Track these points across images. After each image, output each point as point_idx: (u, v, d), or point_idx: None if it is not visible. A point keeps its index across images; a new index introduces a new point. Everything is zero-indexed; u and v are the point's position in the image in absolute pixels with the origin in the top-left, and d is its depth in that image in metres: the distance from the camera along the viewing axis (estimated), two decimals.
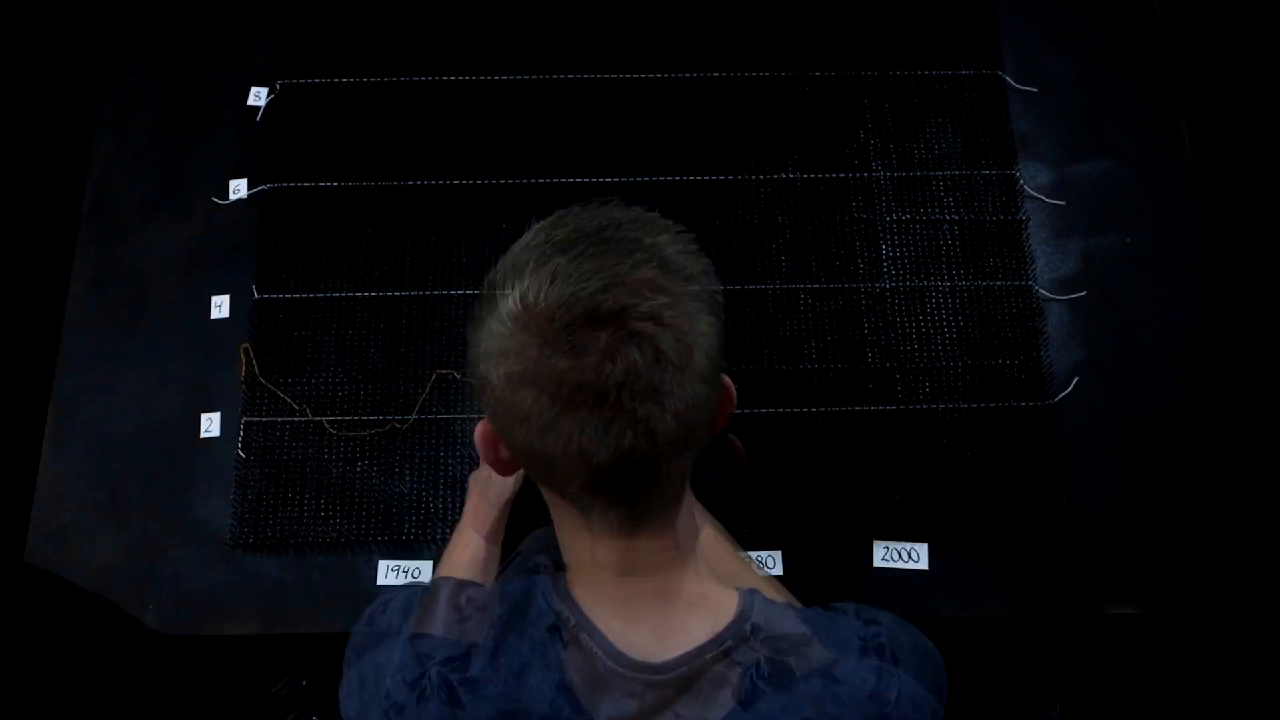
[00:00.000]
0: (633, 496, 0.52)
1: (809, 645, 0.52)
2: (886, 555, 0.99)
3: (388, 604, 0.61)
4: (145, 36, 1.20)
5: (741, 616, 0.53)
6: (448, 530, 0.99)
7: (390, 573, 0.98)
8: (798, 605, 0.60)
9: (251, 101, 1.16)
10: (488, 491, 0.89)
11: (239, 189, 1.13)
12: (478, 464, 1.01)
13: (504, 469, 0.58)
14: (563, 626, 0.53)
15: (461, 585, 0.58)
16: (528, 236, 0.53)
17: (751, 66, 1.17)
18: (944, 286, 1.08)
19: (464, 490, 1.00)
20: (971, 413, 1.03)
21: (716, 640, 0.52)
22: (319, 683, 1.15)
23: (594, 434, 0.48)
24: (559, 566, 0.58)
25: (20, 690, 0.92)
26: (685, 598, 0.54)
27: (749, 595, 0.54)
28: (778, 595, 0.71)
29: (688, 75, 1.16)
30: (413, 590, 0.60)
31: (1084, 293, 1.08)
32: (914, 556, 0.99)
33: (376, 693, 0.56)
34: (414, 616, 0.57)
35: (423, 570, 0.98)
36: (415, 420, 1.03)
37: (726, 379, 0.55)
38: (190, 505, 1.01)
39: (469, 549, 0.86)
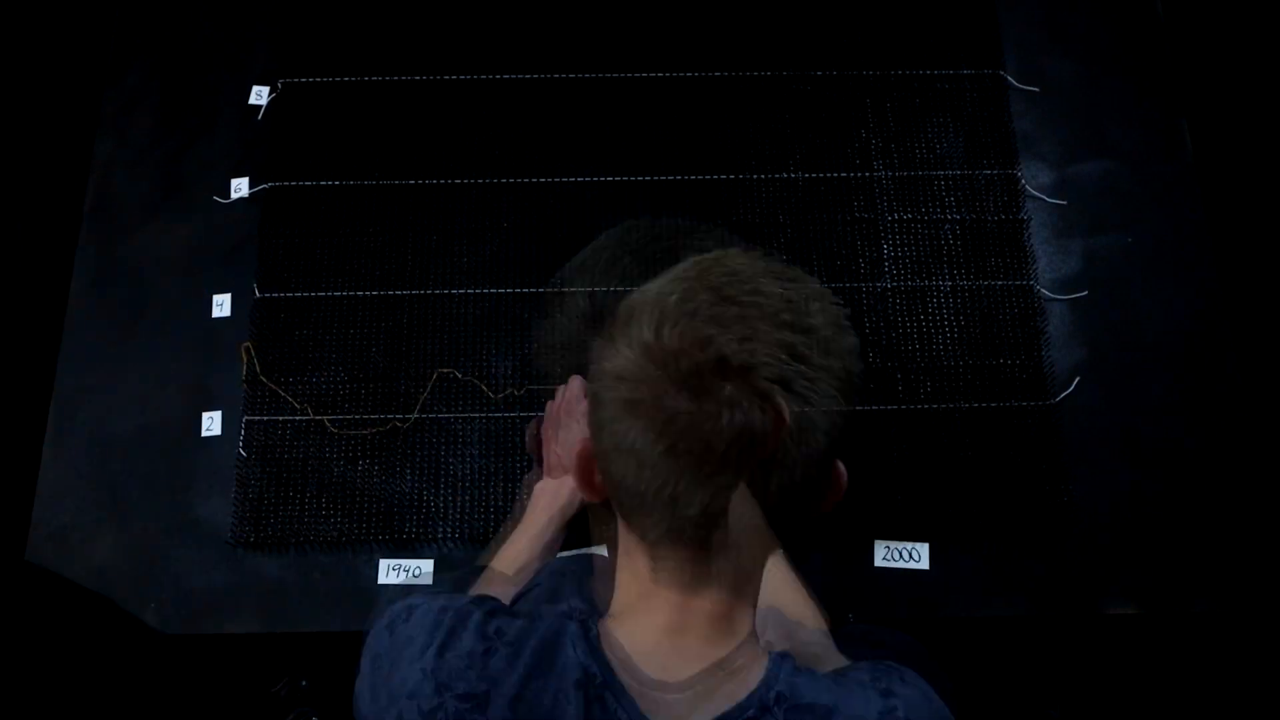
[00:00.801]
0: (709, 554, 0.50)
1: (831, 717, 0.50)
2: (887, 555, 0.99)
3: (412, 612, 0.58)
4: (146, 36, 1.20)
5: (766, 684, 0.51)
6: (448, 529, 0.99)
7: (391, 572, 0.98)
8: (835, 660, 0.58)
9: (253, 100, 1.16)
10: (553, 504, 0.87)
11: (240, 188, 1.13)
12: (476, 464, 1.01)
13: (593, 493, 0.55)
14: (589, 683, 0.51)
15: (493, 614, 0.56)
16: (681, 267, 0.51)
17: (752, 66, 1.17)
18: (945, 286, 1.08)
19: (473, 489, 1.00)
20: (972, 413, 1.03)
21: (739, 709, 0.50)
22: (319, 683, 1.15)
23: (689, 483, 0.46)
24: (592, 608, 0.56)
25: (20, 690, 0.92)
26: (725, 667, 0.52)
27: (778, 661, 0.52)
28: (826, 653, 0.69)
29: (688, 75, 1.16)
30: (443, 606, 0.57)
31: (1085, 293, 1.08)
32: (915, 556, 0.99)
33: (389, 709, 0.55)
34: (439, 636, 0.55)
35: (423, 570, 0.98)
36: (416, 419, 1.03)
37: (841, 467, 0.53)
38: (191, 504, 1.01)
39: (519, 560, 0.84)
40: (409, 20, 1.19)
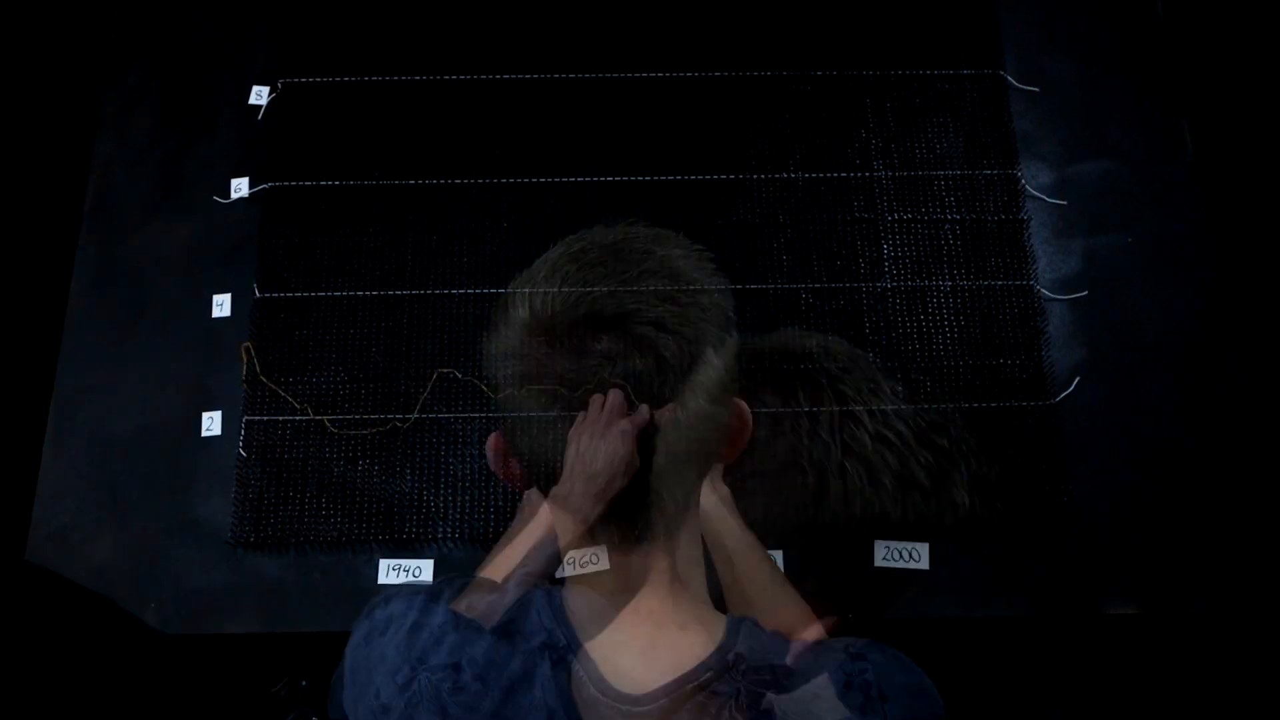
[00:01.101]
0: (632, 511, 0.51)
1: (792, 677, 0.51)
2: (887, 555, 0.99)
3: (390, 599, 0.60)
4: (146, 36, 1.20)
5: (724, 646, 0.52)
6: (448, 529, 0.99)
7: (391, 572, 0.98)
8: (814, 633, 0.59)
9: (253, 100, 1.16)
10: (532, 507, 0.88)
11: (240, 188, 1.13)
12: (476, 464, 1.01)
13: (515, 482, 0.57)
14: (552, 646, 0.52)
15: (464, 590, 0.58)
16: (549, 251, 0.54)
17: (752, 66, 1.17)
18: (945, 286, 1.08)
19: (473, 489, 1.00)
20: (972, 413, 1.03)
21: (698, 670, 0.51)
22: (319, 683, 1.15)
23: (590, 439, 0.48)
24: (554, 580, 0.57)
25: (20, 690, 0.92)
26: (678, 620, 0.53)
27: (737, 623, 0.53)
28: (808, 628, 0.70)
29: (688, 75, 1.16)
30: (415, 589, 0.60)
31: (1085, 293, 1.08)
32: (914, 556, 0.99)
33: (367, 688, 0.56)
34: (412, 615, 0.57)
35: (424, 570, 0.98)
36: (416, 419, 1.03)
37: (740, 402, 0.54)
38: (191, 504, 1.01)
39: (506, 562, 0.85)
40: (409, 20, 1.19)
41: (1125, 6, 1.20)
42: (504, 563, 0.85)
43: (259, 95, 1.17)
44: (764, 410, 0.47)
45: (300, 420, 1.03)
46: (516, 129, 1.14)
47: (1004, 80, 1.17)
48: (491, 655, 0.53)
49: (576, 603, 0.54)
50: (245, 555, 0.99)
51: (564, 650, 0.52)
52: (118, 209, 1.13)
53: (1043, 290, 1.08)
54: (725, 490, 0.86)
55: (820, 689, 0.50)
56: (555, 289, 0.48)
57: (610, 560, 0.53)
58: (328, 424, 1.03)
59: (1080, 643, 1.17)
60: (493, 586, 0.59)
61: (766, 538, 0.80)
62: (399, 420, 1.03)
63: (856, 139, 1.14)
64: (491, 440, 0.56)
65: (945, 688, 1.19)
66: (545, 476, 0.52)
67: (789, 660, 0.51)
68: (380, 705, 0.54)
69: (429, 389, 1.04)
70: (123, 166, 1.14)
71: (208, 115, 1.16)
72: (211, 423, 1.04)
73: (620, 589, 0.54)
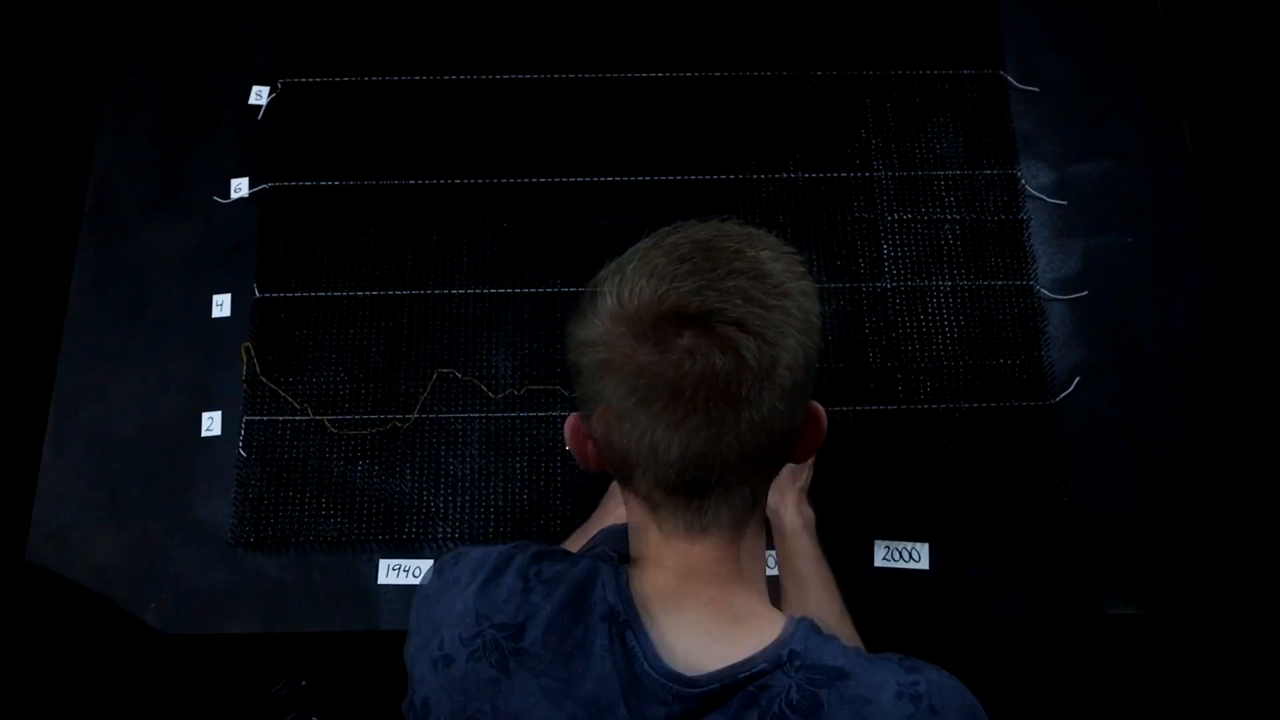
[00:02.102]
0: (701, 502, 0.53)
1: (845, 681, 0.51)
2: (887, 555, 0.99)
3: (460, 557, 0.62)
4: (146, 36, 1.20)
5: (782, 641, 0.52)
6: (448, 529, 0.99)
7: (391, 572, 0.98)
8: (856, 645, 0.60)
9: (253, 101, 1.16)
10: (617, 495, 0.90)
11: (240, 188, 1.13)
12: (476, 464, 1.01)
13: (591, 464, 0.58)
14: (613, 619, 0.54)
15: (536, 556, 0.59)
16: (642, 240, 0.55)
17: (752, 66, 1.17)
18: (945, 286, 1.08)
19: (473, 489, 1.00)
20: (972, 412, 1.03)
21: (752, 660, 0.52)
22: (319, 683, 1.15)
23: (666, 430, 0.49)
24: (624, 559, 0.59)
25: (20, 690, 0.92)
26: (735, 612, 0.55)
27: (796, 622, 0.54)
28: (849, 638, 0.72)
29: (688, 75, 1.16)
30: (489, 550, 0.61)
31: (1085, 293, 1.08)
32: (915, 556, 0.99)
33: (431, 638, 0.57)
34: (483, 575, 0.58)
35: (423, 570, 0.98)
36: (416, 419, 1.03)
37: (818, 406, 0.56)
38: (191, 504, 1.01)
39: (581, 540, 0.87)
40: (409, 20, 1.19)
41: (1125, 6, 1.20)
42: (578, 540, 0.86)
43: (259, 95, 1.17)
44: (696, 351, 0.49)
45: (300, 420, 1.03)
46: (516, 129, 1.14)
47: (1004, 80, 1.17)
48: (555, 620, 0.54)
49: (641, 582, 0.56)
50: (245, 555, 0.99)
51: (623, 625, 0.53)
52: (118, 209, 1.13)
53: (1043, 290, 1.08)
54: (810, 514, 0.88)
55: (872, 693, 0.51)
56: (644, 281, 0.49)
57: (676, 547, 0.55)
58: (328, 424, 1.03)
59: (1080, 643, 1.17)
60: (565, 555, 0.60)
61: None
62: (399, 420, 1.03)
63: (856, 139, 1.14)
64: (570, 421, 0.57)
65: None
66: (619, 463, 0.53)
67: (843, 663, 0.52)
68: (443, 655, 0.56)
69: (429, 389, 1.04)
70: (123, 166, 1.14)
71: (208, 115, 1.16)
72: (211, 423, 1.04)
73: (685, 575, 0.55)
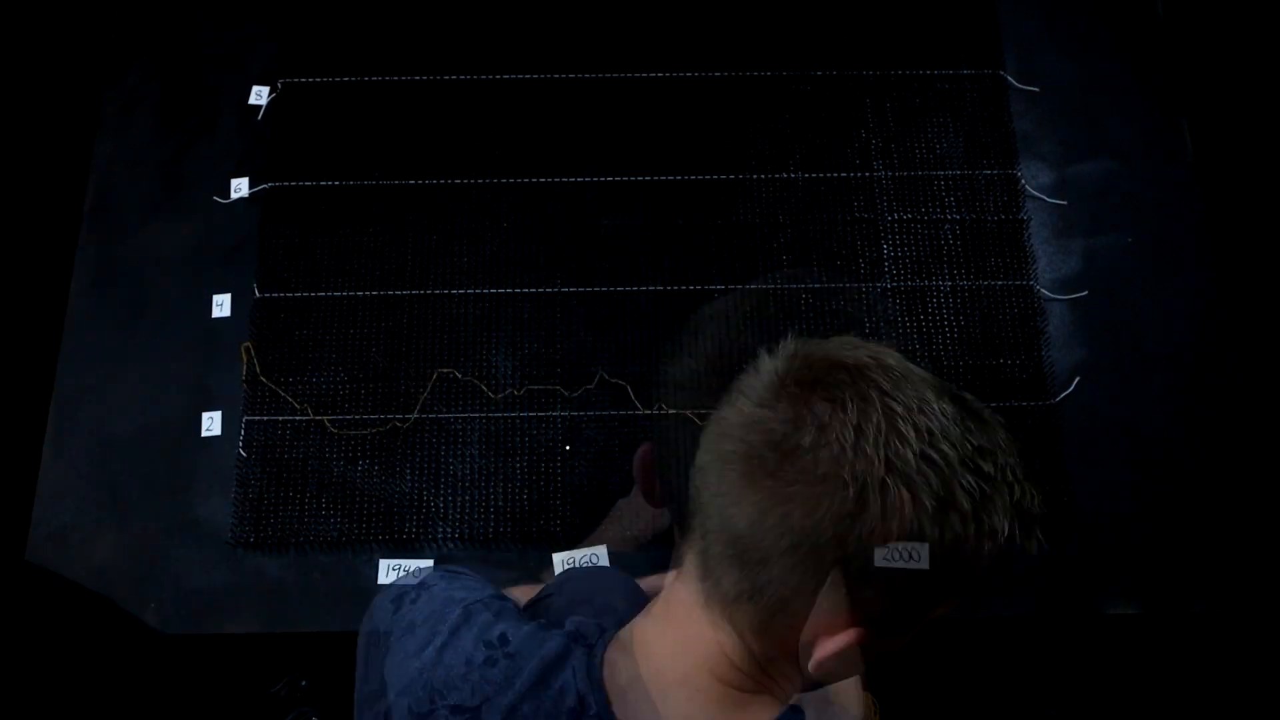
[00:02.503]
0: (748, 592, 0.49)
1: None
2: (887, 555, 0.98)
3: (421, 593, 0.58)
4: (146, 36, 1.20)
5: None
6: (448, 529, 0.99)
7: (391, 572, 0.98)
8: None
9: (253, 100, 1.16)
10: (633, 524, 0.87)
11: (240, 188, 1.13)
12: (476, 464, 1.01)
13: (653, 496, 0.56)
14: (584, 712, 0.50)
15: (498, 618, 0.55)
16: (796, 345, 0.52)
17: (752, 66, 1.17)
18: (945, 286, 1.08)
19: (473, 489, 1.00)
20: None
21: None
22: (319, 683, 1.15)
23: (741, 493, 0.47)
24: (601, 627, 0.55)
25: (20, 690, 0.92)
26: (724, 714, 0.51)
27: (789, 714, 0.51)
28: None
29: (688, 75, 1.16)
30: (450, 598, 0.57)
31: (1085, 293, 1.08)
32: (915, 556, 0.99)
33: (379, 698, 0.54)
34: (442, 635, 0.54)
35: (424, 570, 0.98)
36: (416, 419, 1.03)
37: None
38: (191, 504, 1.01)
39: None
40: (409, 20, 1.19)
41: (1125, 6, 1.20)
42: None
43: (259, 95, 1.17)
44: (812, 421, 0.46)
45: (300, 420, 1.03)
46: (516, 129, 1.14)
47: (1004, 80, 1.17)
48: (515, 709, 0.50)
49: (622, 665, 0.52)
50: (245, 555, 0.99)
51: (594, 718, 0.49)
52: (118, 209, 1.13)
53: (1043, 290, 1.08)
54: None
55: None
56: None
57: (692, 617, 0.51)
58: (328, 424, 1.03)
59: (1080, 643, 1.17)
60: (531, 615, 0.57)
61: None
62: (399, 420, 1.03)
63: (856, 139, 1.14)
64: (643, 450, 0.55)
65: (946, 688, 1.20)
66: (678, 505, 0.51)
67: None
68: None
69: (429, 389, 1.04)
70: (123, 166, 1.14)
71: (208, 115, 1.16)
72: (211, 423, 1.04)
73: (684, 652, 0.51)
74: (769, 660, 0.51)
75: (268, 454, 1.02)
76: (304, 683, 1.14)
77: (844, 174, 1.12)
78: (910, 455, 0.45)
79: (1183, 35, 1.20)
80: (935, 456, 0.46)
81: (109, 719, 1.02)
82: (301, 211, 1.11)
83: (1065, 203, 1.12)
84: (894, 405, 0.46)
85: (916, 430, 0.45)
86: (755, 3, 1.19)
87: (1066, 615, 0.99)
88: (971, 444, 0.47)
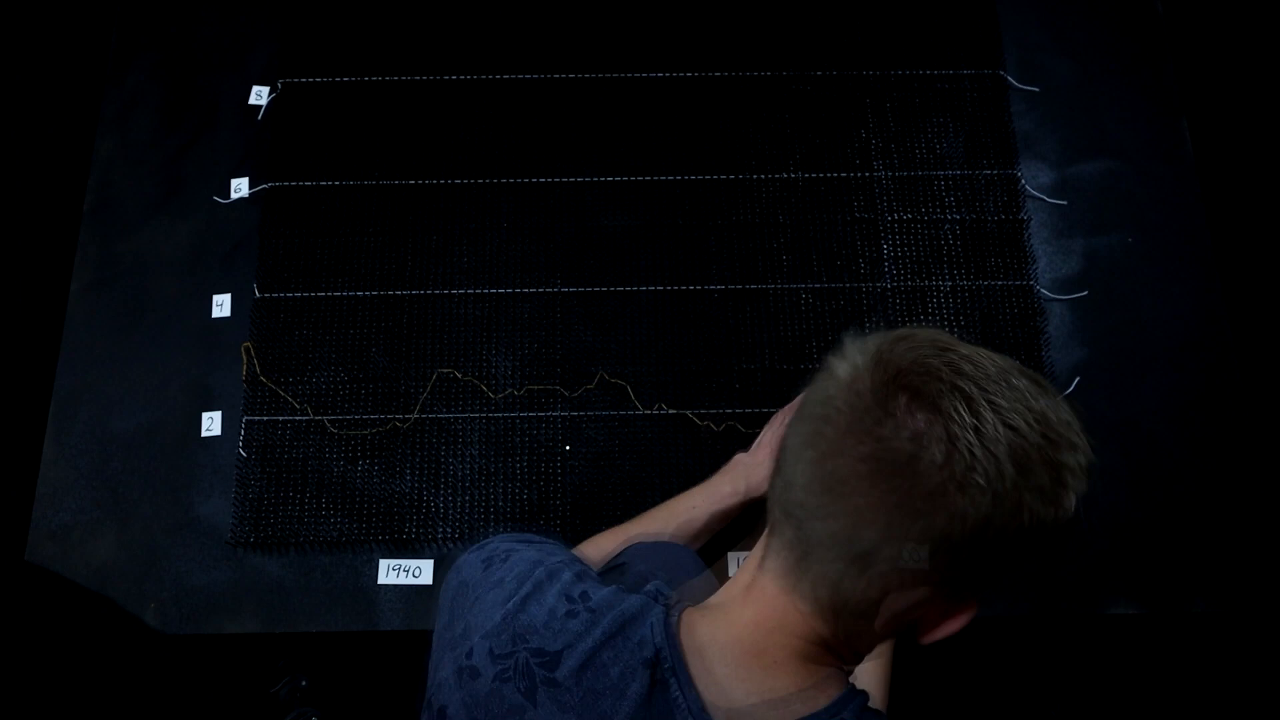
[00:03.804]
0: (811, 567, 0.50)
1: None
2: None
3: (509, 556, 0.60)
4: (147, 35, 1.20)
5: (832, 710, 0.51)
6: (448, 529, 0.99)
7: (391, 572, 0.98)
8: None
9: (253, 100, 1.16)
10: (741, 477, 0.88)
11: (240, 188, 1.13)
12: (476, 464, 1.01)
13: (773, 453, 0.57)
14: (657, 664, 0.52)
15: (581, 577, 0.57)
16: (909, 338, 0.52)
17: (752, 66, 1.17)
18: (945, 286, 1.08)
19: (473, 489, 1.00)
20: None
21: None
22: (319, 683, 1.15)
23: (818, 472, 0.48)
24: (677, 599, 0.56)
25: (20, 690, 0.92)
26: (796, 683, 0.52)
27: (852, 692, 0.52)
28: None
29: (688, 75, 1.16)
30: (537, 560, 0.59)
31: (1085, 293, 1.08)
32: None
33: (462, 641, 0.56)
34: (527, 588, 0.56)
35: (424, 570, 0.98)
36: (416, 419, 1.03)
37: (968, 611, 0.52)
38: (191, 504, 1.01)
39: (689, 513, 0.85)
40: (409, 20, 1.19)
41: (1126, 6, 1.20)
42: (601, 544, 0.83)
43: (259, 95, 1.17)
44: (933, 432, 0.46)
45: (300, 420, 1.03)
46: (516, 129, 1.14)
47: (1004, 80, 1.17)
48: (594, 655, 0.52)
49: (697, 628, 0.53)
50: (245, 555, 0.99)
51: (669, 672, 0.51)
52: (119, 208, 1.13)
53: (1043, 290, 1.08)
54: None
55: None
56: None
57: (767, 592, 0.52)
58: (328, 424, 1.03)
59: (1080, 643, 1.17)
60: (609, 579, 0.58)
61: None
62: (399, 420, 1.03)
63: (856, 139, 1.14)
64: (784, 412, 0.56)
65: (946, 687, 1.20)
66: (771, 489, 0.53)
67: None
68: (470, 665, 0.54)
69: (429, 389, 1.04)
70: (124, 165, 1.14)
71: (209, 114, 1.16)
72: (211, 423, 1.04)
73: (761, 626, 0.52)
74: (845, 636, 0.53)
75: (268, 454, 1.02)
76: (304, 683, 1.14)
77: (844, 174, 1.12)
78: (1028, 446, 0.46)
79: (1183, 35, 1.20)
80: (1048, 438, 0.47)
81: (109, 719, 1.02)
82: (301, 211, 1.11)
83: (1065, 203, 1.12)
84: (998, 401, 0.47)
85: (1026, 421, 0.47)
86: (755, 3, 1.19)
87: (1066, 615, 0.99)
88: (1057, 415, 0.48)
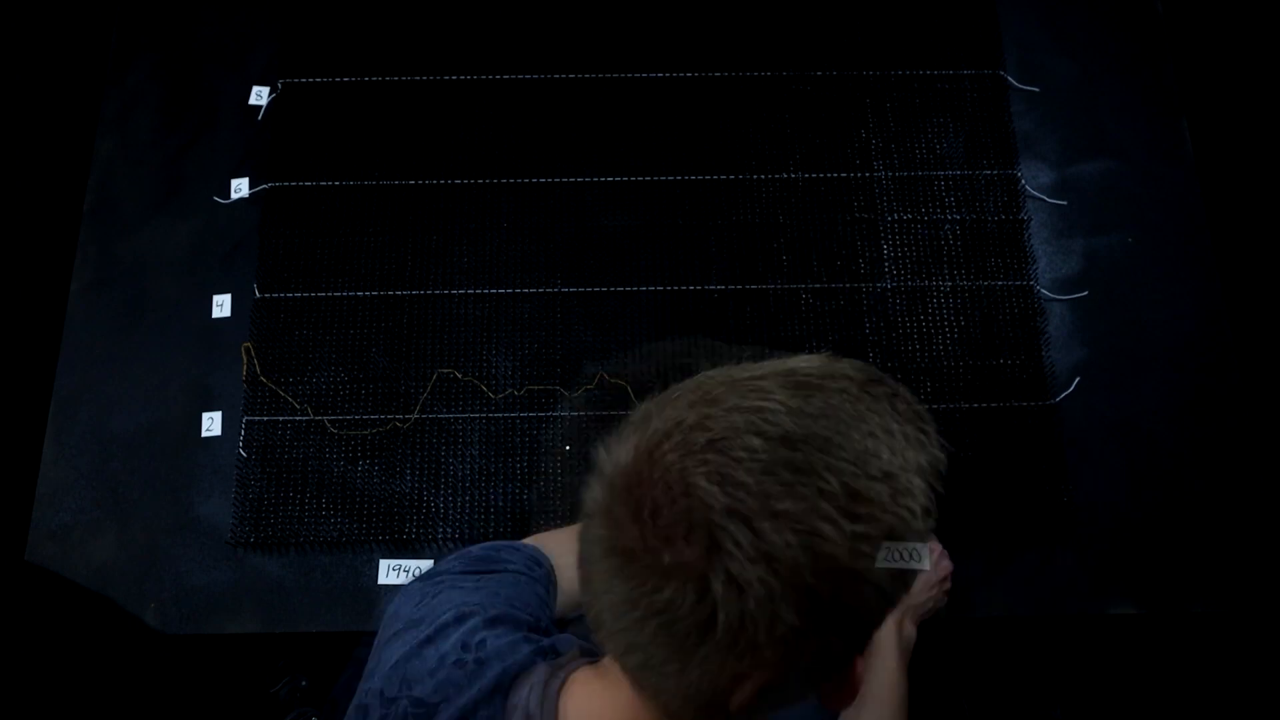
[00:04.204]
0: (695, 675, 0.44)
1: None
2: (888, 555, 0.98)
3: (440, 592, 0.58)
4: (147, 35, 1.20)
5: None
6: (448, 529, 0.99)
7: (391, 572, 0.98)
8: None
9: (253, 100, 1.16)
10: None
11: (240, 188, 1.13)
12: (476, 464, 1.01)
13: None
14: None
15: (491, 625, 0.55)
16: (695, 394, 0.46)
17: (752, 66, 1.17)
18: (945, 286, 1.08)
19: (473, 489, 1.00)
20: (973, 413, 1.03)
21: None
22: (319, 683, 1.15)
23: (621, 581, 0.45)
24: (589, 651, 0.54)
25: (20, 690, 0.92)
26: None
27: None
28: None
29: (688, 75, 1.16)
30: (457, 600, 0.57)
31: (1085, 293, 1.08)
32: (915, 556, 0.98)
33: (370, 676, 0.56)
34: (430, 629, 0.55)
35: (424, 570, 0.98)
36: (416, 419, 1.03)
37: (860, 669, 0.48)
38: (191, 504, 1.01)
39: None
40: (409, 20, 1.19)
41: (1126, 6, 1.20)
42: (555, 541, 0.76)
43: (259, 95, 1.17)
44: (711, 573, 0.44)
45: (300, 420, 1.03)
46: (516, 129, 1.14)
47: (1004, 80, 1.17)
48: (466, 713, 0.50)
49: (579, 694, 0.50)
50: (245, 555, 0.99)
51: None
52: (119, 208, 1.13)
53: (1043, 290, 1.08)
54: (911, 634, 0.82)
55: None
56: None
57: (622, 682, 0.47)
58: (328, 424, 1.03)
59: (1080, 643, 1.17)
60: (524, 624, 0.56)
61: None
62: (399, 420, 1.03)
63: (856, 139, 1.14)
64: None
65: (946, 687, 1.20)
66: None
67: None
68: (360, 705, 0.54)
69: (429, 389, 1.04)
70: (124, 165, 1.14)
71: (209, 114, 1.16)
72: (211, 423, 1.04)
73: (626, 705, 0.48)
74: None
75: (268, 454, 1.02)
76: (304, 683, 1.14)
77: (844, 174, 1.12)
78: (835, 534, 0.42)
79: (1183, 35, 1.20)
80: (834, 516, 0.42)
81: (109, 719, 1.02)
82: (301, 211, 1.11)
83: (1065, 203, 1.12)
84: (775, 499, 0.41)
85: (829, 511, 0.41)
86: (755, 3, 1.19)
87: (1066, 615, 0.99)
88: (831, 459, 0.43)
